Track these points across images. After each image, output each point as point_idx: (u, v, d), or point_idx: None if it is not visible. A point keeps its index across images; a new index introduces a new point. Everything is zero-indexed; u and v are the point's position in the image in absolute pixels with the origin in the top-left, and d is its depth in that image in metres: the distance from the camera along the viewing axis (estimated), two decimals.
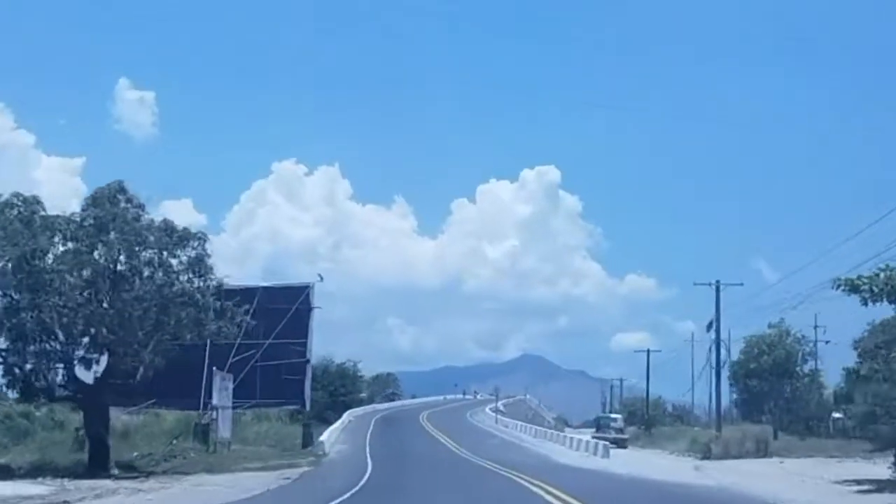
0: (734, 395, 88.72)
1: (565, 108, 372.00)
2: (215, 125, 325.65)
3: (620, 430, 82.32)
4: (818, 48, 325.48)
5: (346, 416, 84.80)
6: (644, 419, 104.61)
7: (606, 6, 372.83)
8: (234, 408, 51.35)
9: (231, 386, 49.99)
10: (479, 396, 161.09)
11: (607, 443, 54.50)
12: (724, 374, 70.34)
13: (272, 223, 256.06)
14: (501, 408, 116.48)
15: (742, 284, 62.02)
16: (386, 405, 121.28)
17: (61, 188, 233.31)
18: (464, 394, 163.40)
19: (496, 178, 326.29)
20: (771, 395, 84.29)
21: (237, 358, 51.82)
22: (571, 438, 61.75)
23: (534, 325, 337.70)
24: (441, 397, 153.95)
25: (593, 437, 65.96)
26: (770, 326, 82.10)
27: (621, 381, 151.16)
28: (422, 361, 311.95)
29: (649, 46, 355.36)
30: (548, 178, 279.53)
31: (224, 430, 49.12)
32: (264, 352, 53.29)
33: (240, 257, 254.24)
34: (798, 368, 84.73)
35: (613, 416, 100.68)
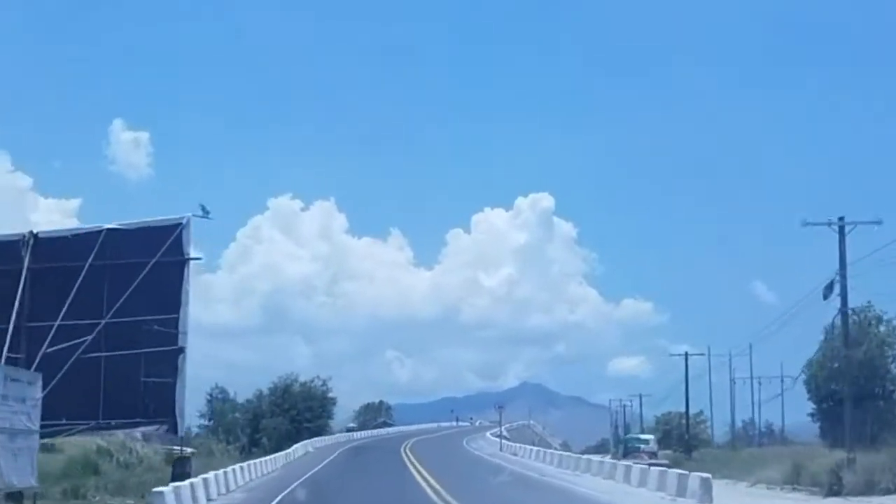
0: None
1: (557, 134, 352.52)
2: (210, 163, 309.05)
3: (653, 454, 64.04)
4: (819, 70, 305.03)
5: (299, 446, 60.51)
6: (683, 440, 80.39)
7: (597, 30, 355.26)
8: (49, 431, 27.47)
9: (34, 394, 25.59)
10: (477, 423, 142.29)
11: (705, 475, 29.97)
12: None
13: (269, 259, 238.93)
14: (505, 433, 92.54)
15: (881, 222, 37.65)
16: (364, 434, 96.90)
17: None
18: (457, 421, 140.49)
19: (490, 206, 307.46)
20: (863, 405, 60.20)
21: (57, 347, 27.90)
22: (625, 468, 37.22)
23: (531, 352, 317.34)
24: (434, 424, 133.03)
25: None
26: (853, 312, 58.24)
27: (638, 398, 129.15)
28: (421, 393, 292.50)
29: (642, 69, 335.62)
30: (542, 205, 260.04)
31: (15, 474, 24.97)
32: (107, 335, 29.14)
33: (238, 294, 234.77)
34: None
35: (644, 436, 77.37)
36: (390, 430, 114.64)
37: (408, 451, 62.02)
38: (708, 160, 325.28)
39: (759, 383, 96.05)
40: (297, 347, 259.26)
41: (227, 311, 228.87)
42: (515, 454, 59.88)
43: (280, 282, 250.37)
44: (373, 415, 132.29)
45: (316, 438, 72.79)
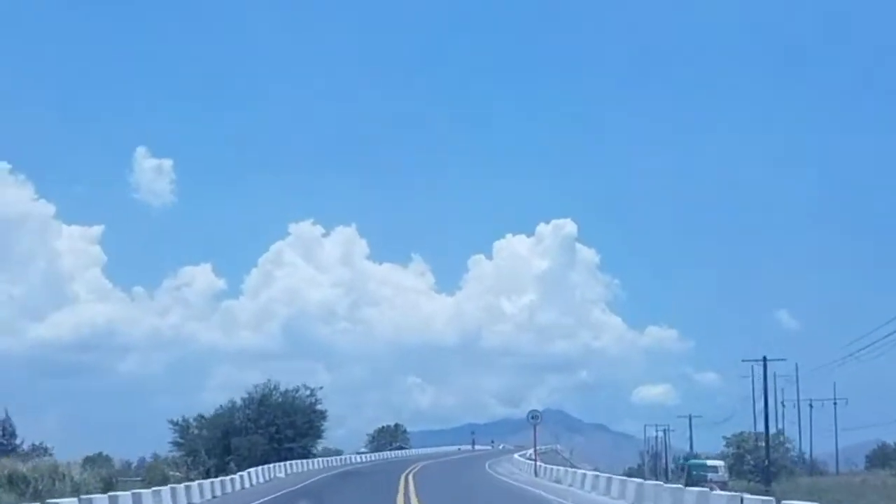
0: None
1: (578, 161, 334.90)
2: (233, 189, 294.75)
3: (724, 484, 50.14)
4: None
5: (256, 471, 41.89)
6: (760, 467, 61.47)
7: (620, 50, 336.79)
8: None
9: None
10: (500, 446, 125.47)
11: None
12: None
13: (290, 285, 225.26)
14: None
15: None
16: (367, 457, 78.01)
17: (81, 257, 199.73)
18: (473, 444, 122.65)
19: (512, 232, 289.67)
20: None
21: None
22: None
23: (554, 379, 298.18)
24: (454, 448, 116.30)
25: None
26: None
27: (666, 430, 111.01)
28: (443, 420, 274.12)
29: (665, 97, 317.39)
30: (564, 231, 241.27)
31: None
32: None
33: (259, 320, 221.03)
34: None
35: (712, 462, 60.17)
36: (402, 453, 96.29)
37: (410, 477, 43.32)
38: (731, 185, 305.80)
39: (835, 404, 79.03)
40: (318, 374, 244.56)
41: (249, 337, 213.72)
42: (559, 481, 40.78)
43: (301, 307, 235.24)
44: (388, 438, 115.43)
45: (293, 462, 54.09)
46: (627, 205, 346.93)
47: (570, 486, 38.36)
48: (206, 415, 62.39)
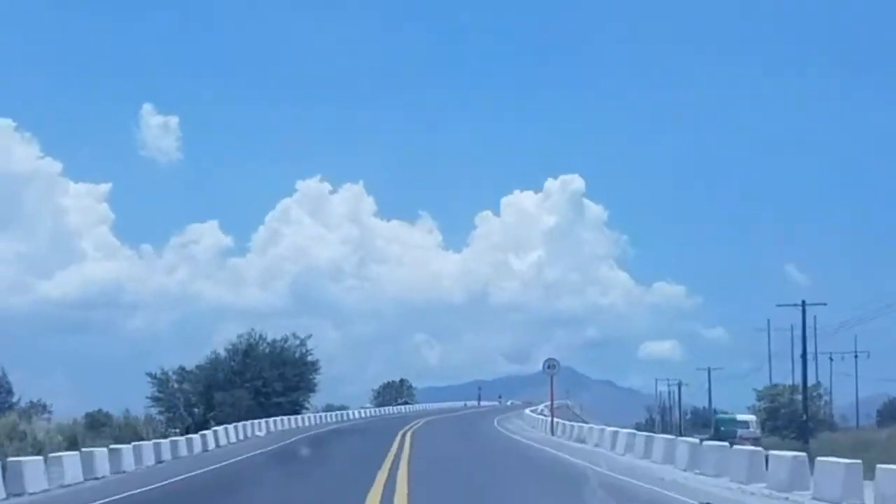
0: None
1: (586, 116, 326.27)
2: (240, 146, 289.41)
3: (756, 440, 45.39)
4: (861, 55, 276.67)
5: (224, 430, 35.21)
6: (797, 421, 54.84)
7: (626, 12, 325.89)
8: None
9: None
10: (508, 402, 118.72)
11: None
12: None
13: (298, 242, 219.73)
14: (546, 411, 67.02)
15: None
16: (364, 414, 71.39)
17: (89, 214, 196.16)
18: (479, 400, 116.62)
19: (520, 189, 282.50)
20: None
21: None
22: None
23: (561, 335, 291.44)
24: (460, 403, 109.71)
25: None
26: None
27: (679, 384, 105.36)
28: (450, 376, 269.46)
29: (674, 52, 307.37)
30: (572, 186, 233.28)
31: None
32: None
33: (267, 277, 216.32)
34: None
35: (743, 416, 54.26)
36: (406, 408, 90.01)
37: (407, 438, 36.54)
38: (742, 142, 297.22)
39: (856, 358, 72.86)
40: (325, 331, 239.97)
41: (257, 294, 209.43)
42: (583, 440, 33.79)
43: (309, 265, 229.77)
44: (393, 394, 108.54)
45: (278, 418, 47.41)
46: (635, 160, 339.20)
47: (597, 446, 31.45)
48: (188, 367, 55.87)
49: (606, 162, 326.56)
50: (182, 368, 55.71)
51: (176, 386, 55.08)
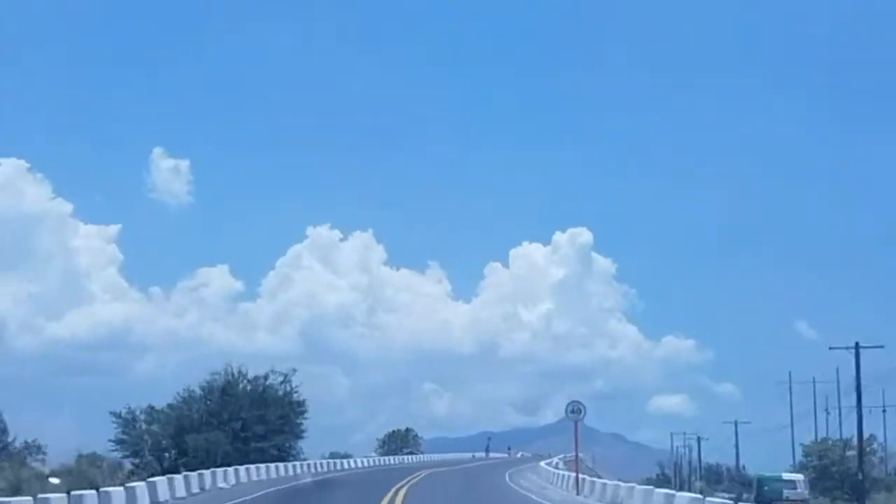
0: None
1: (595, 169, 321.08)
2: (250, 191, 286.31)
3: (804, 501, 41.99)
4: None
5: (172, 480, 27.58)
6: (848, 480, 46.91)
7: (638, 63, 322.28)
8: None
9: None
10: (518, 454, 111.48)
11: None
12: None
13: (308, 288, 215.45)
14: (562, 465, 59.04)
15: None
16: (363, 463, 63.25)
17: (98, 256, 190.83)
18: (487, 451, 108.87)
19: (528, 241, 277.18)
20: None
21: None
22: None
23: (571, 388, 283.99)
24: (468, 455, 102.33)
25: None
26: None
27: (699, 439, 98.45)
28: (458, 427, 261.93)
29: (684, 104, 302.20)
30: (580, 240, 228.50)
31: None
32: None
33: (277, 323, 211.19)
34: None
35: (788, 476, 47.98)
36: (410, 459, 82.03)
37: (401, 493, 28.94)
38: (749, 193, 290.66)
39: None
40: (335, 377, 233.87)
41: (266, 340, 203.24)
42: (619, 502, 26.11)
43: (318, 311, 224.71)
44: (398, 443, 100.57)
45: (253, 466, 39.51)
46: (644, 214, 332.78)
47: None
48: (159, 406, 48.48)
49: (615, 215, 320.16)
50: (151, 407, 48.33)
51: (144, 427, 47.79)
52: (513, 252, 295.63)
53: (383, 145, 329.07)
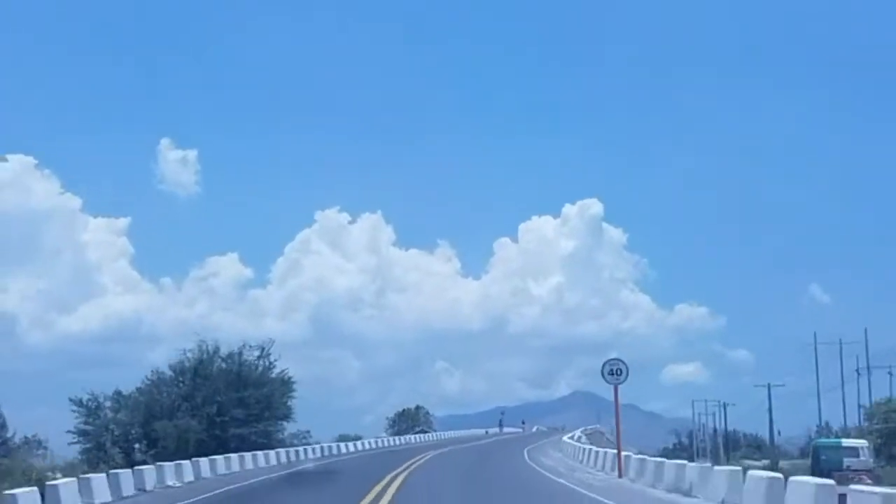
0: None
1: (604, 139, 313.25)
2: (258, 178, 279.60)
3: (869, 471, 33.01)
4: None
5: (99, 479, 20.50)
6: None
7: (644, 35, 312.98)
8: None
9: None
10: (534, 429, 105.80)
11: None
12: None
13: (317, 272, 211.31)
14: (586, 438, 52.01)
15: None
16: (364, 446, 56.11)
17: (109, 249, 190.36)
18: (500, 425, 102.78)
19: (537, 214, 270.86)
20: None
21: None
22: None
23: (583, 361, 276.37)
24: (482, 431, 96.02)
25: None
26: None
27: (724, 405, 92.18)
28: (471, 404, 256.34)
29: (693, 74, 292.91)
30: (591, 211, 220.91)
31: None
32: None
33: (287, 308, 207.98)
34: None
35: (849, 442, 39.59)
36: (420, 438, 75.05)
37: (395, 484, 21.92)
38: (760, 159, 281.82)
39: None
40: (346, 360, 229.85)
41: (277, 326, 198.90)
42: (689, 492, 18.88)
43: (328, 295, 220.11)
44: (409, 422, 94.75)
45: (221, 457, 32.42)
46: (654, 183, 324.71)
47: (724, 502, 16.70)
48: (127, 391, 41.45)
49: (625, 185, 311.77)
50: (118, 393, 41.30)
51: (110, 415, 40.81)
52: (522, 226, 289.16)
53: (389, 126, 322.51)
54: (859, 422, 56.05)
